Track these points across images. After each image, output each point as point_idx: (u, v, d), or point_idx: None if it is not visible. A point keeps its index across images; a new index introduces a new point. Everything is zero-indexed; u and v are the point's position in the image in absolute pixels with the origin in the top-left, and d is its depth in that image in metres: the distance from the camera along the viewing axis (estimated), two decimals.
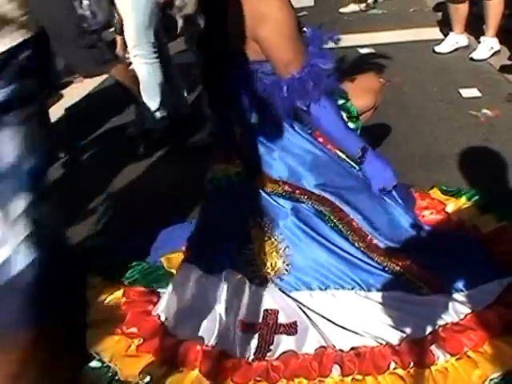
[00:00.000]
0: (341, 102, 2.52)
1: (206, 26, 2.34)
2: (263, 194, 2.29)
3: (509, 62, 5.06)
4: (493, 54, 5.31)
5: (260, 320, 2.22)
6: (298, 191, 2.28)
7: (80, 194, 3.68)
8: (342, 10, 8.03)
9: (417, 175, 3.32)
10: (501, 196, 3.04)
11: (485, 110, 4.14)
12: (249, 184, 2.33)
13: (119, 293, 2.58)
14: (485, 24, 5.37)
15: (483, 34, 5.40)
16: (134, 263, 2.75)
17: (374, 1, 8.23)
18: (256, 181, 2.32)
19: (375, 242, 2.30)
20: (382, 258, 2.25)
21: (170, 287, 2.42)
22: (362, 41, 6.28)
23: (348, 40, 6.26)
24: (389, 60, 5.39)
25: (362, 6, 8.03)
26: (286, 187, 2.28)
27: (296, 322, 2.20)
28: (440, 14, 6.90)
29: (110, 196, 3.62)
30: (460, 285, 2.27)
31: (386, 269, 2.24)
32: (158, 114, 4.25)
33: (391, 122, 3.98)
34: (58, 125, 4.60)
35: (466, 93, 4.55)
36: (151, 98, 4.19)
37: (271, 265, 2.25)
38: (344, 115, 2.50)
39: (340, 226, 2.26)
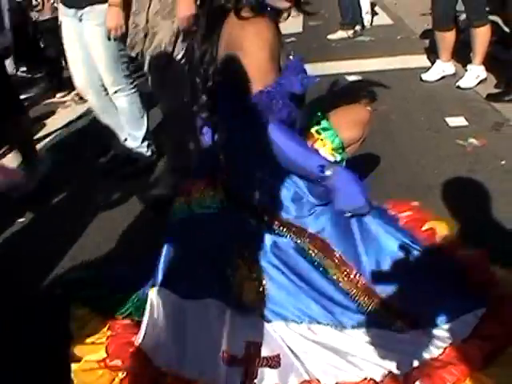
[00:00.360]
0: (326, 133, 2.53)
1: (201, 51, 2.35)
2: (246, 223, 2.28)
3: (495, 91, 5.10)
4: (479, 82, 5.35)
5: (243, 352, 2.19)
6: (276, 222, 2.25)
7: (62, 225, 3.66)
8: (329, 36, 8.11)
9: None
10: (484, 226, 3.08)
11: (471, 140, 4.16)
12: (233, 211, 2.30)
13: (104, 326, 2.55)
14: (472, 51, 5.42)
15: (470, 61, 5.44)
16: (122, 295, 2.70)
17: (362, 28, 8.33)
18: (239, 208, 2.30)
19: (356, 275, 2.28)
20: (360, 293, 2.23)
21: (147, 314, 2.36)
22: (349, 68, 6.33)
23: (335, 67, 6.37)
24: (376, 88, 5.42)
25: (350, 32, 8.11)
26: (265, 217, 2.26)
27: (279, 354, 2.17)
28: (427, 41, 6.96)
29: (95, 226, 3.59)
30: (437, 318, 2.24)
31: (363, 305, 2.22)
32: (144, 143, 4.25)
33: (378, 150, 3.97)
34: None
35: (453, 121, 4.57)
36: (136, 128, 4.20)
37: (249, 295, 2.23)
38: (328, 146, 2.50)
39: (319, 260, 2.24)
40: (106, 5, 3.63)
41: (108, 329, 2.51)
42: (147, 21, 3.53)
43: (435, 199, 3.42)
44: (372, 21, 8.68)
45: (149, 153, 4.28)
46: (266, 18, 2.21)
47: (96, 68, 4.00)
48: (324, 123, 2.57)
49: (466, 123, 4.54)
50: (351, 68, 6.32)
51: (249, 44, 2.16)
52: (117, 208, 3.82)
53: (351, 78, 5.98)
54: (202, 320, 2.25)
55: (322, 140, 2.52)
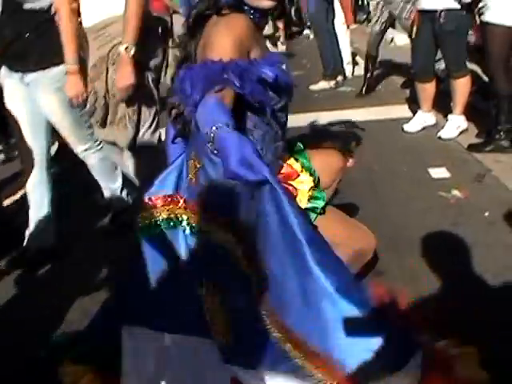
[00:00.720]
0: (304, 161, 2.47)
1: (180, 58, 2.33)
2: (214, 249, 2.10)
3: (476, 141, 5.11)
4: (460, 133, 5.37)
5: None
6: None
7: (49, 281, 3.61)
8: (312, 87, 8.15)
9: (384, 259, 3.27)
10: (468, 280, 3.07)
11: (454, 192, 4.15)
12: (202, 233, 2.14)
13: (98, 379, 2.42)
14: (452, 101, 5.45)
15: (451, 111, 5.49)
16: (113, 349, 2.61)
17: (344, 78, 8.37)
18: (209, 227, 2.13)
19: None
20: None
21: (124, 357, 2.29)
22: (331, 118, 6.33)
23: (317, 117, 6.37)
24: (358, 138, 5.43)
25: (332, 83, 8.16)
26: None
27: None
28: (408, 91, 7.02)
29: (77, 288, 3.48)
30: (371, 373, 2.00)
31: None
32: (124, 193, 4.13)
33: (360, 201, 3.94)
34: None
35: (435, 173, 4.57)
36: (111, 181, 4.07)
37: (220, 328, 2.10)
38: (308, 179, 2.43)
39: None
40: (57, 68, 3.53)
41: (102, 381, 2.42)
42: (107, 90, 3.44)
43: (417, 253, 3.40)
44: (353, 71, 8.73)
45: (129, 201, 4.17)
46: (243, 15, 2.17)
47: (43, 133, 3.76)
48: (303, 155, 2.51)
49: (448, 174, 4.53)
50: (333, 119, 6.32)
51: (216, 34, 2.11)
52: (98, 268, 3.71)
53: (333, 128, 5.98)
54: (183, 357, 2.18)
55: (302, 170, 2.46)
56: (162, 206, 2.25)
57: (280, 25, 11.01)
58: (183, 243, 2.19)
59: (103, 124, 3.56)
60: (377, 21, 7.23)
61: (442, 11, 5.06)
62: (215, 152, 1.84)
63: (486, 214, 3.79)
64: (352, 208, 3.81)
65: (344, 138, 5.51)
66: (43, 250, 3.83)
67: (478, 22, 4.98)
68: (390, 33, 10.74)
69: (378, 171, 4.77)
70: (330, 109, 6.82)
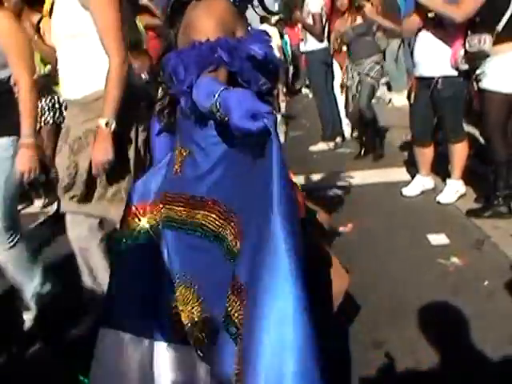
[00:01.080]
0: None
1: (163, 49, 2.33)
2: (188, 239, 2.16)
3: (475, 206, 5.12)
4: (459, 197, 5.39)
5: None
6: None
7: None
8: (311, 148, 8.23)
9: (384, 330, 3.26)
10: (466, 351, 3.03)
11: (454, 259, 4.12)
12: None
13: None
14: (450, 165, 5.48)
15: (449, 174, 5.51)
16: None
17: (342, 140, 8.44)
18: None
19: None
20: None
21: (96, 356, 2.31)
22: (330, 181, 6.37)
23: (317, 179, 6.41)
24: (357, 201, 5.44)
25: (331, 144, 8.24)
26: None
27: None
28: (406, 153, 7.06)
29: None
30: None
31: None
32: (46, 287, 3.59)
33: (359, 265, 3.90)
34: None
35: (435, 239, 4.54)
36: (30, 277, 3.53)
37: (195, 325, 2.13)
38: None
39: None
40: (8, 138, 3.23)
41: None
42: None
43: (417, 322, 3.35)
44: (352, 133, 8.77)
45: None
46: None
47: None
48: None
49: (447, 241, 4.51)
50: (333, 181, 6.36)
51: (197, 17, 2.10)
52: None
53: (332, 191, 6.01)
54: (154, 359, 2.20)
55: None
56: (143, 214, 2.30)
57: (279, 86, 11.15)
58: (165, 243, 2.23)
59: (83, 200, 3.18)
60: (351, 86, 7.35)
61: (439, 78, 5.14)
62: (226, 118, 1.77)
63: (486, 282, 3.76)
64: (351, 272, 3.80)
65: (340, 202, 5.57)
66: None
67: (476, 88, 5.03)
68: (388, 94, 10.92)
69: (378, 235, 4.76)
70: (330, 171, 6.85)
